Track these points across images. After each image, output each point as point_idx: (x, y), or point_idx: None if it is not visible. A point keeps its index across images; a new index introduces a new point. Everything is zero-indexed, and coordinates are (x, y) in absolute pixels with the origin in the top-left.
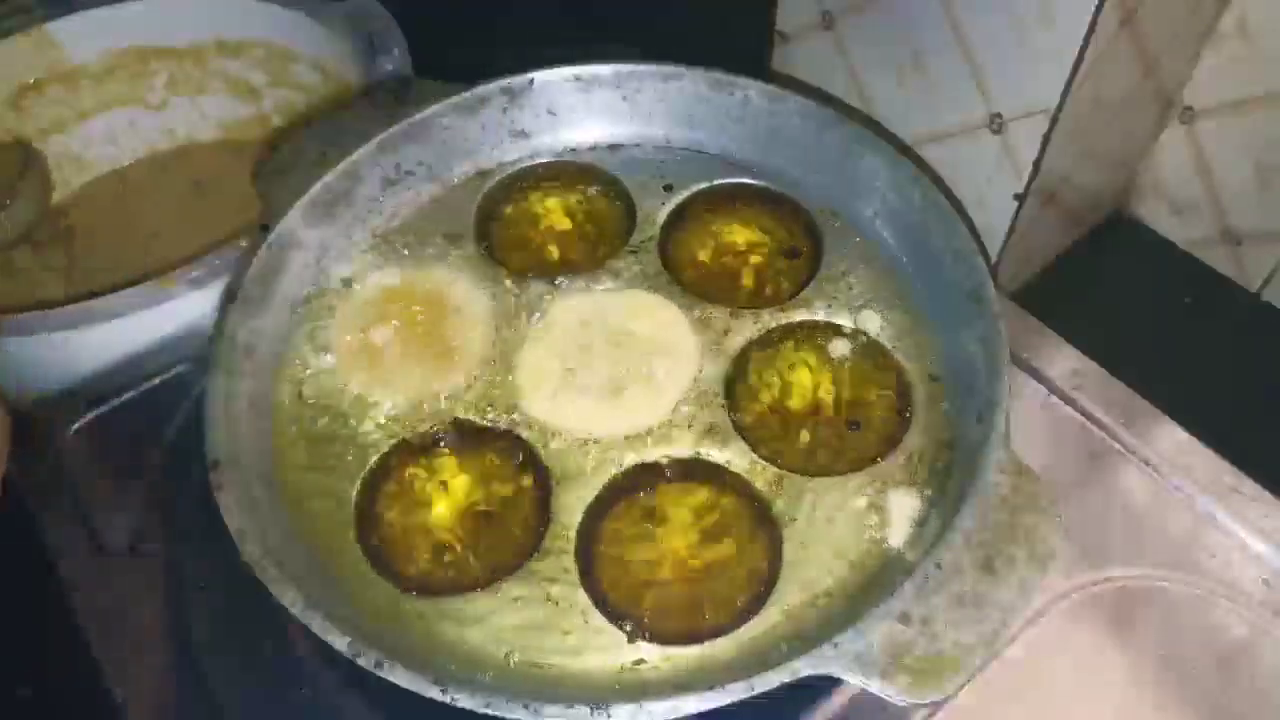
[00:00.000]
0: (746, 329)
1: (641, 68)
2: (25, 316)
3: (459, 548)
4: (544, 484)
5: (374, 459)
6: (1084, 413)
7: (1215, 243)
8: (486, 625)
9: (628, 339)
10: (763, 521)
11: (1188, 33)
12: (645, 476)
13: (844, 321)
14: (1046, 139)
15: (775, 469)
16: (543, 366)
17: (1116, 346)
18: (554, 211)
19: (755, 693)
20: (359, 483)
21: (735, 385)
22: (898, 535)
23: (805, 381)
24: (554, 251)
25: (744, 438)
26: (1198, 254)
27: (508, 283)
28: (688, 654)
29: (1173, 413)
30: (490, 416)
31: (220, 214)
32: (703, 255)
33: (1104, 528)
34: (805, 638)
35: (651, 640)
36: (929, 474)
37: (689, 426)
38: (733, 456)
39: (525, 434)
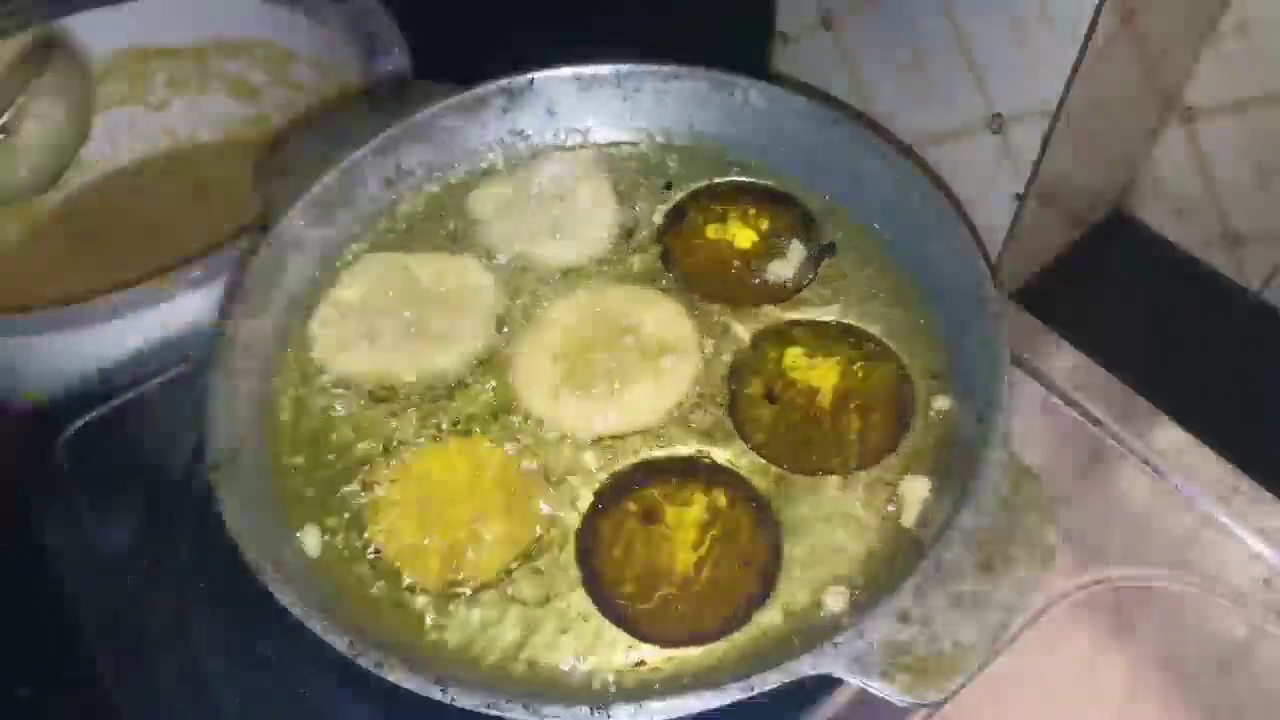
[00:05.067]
0: (747, 327)
1: (641, 68)
2: (25, 316)
3: (459, 547)
4: (544, 482)
5: (374, 458)
6: (1084, 413)
7: (1215, 243)
8: (486, 625)
9: (629, 337)
10: (763, 521)
11: (1188, 33)
12: (646, 475)
13: (844, 320)
14: (1046, 139)
15: (776, 468)
16: (543, 364)
17: (1116, 346)
18: None
19: (755, 693)
20: (359, 482)
21: (736, 384)
22: (897, 535)
23: (806, 381)
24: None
25: (744, 437)
26: (1198, 254)
27: (507, 281)
28: (688, 654)
29: (1173, 413)
30: (490, 414)
31: (220, 214)
32: (703, 253)
33: (1104, 528)
34: (805, 638)
35: (652, 640)
36: (929, 474)
37: (690, 425)
38: (733, 456)
39: (525, 432)
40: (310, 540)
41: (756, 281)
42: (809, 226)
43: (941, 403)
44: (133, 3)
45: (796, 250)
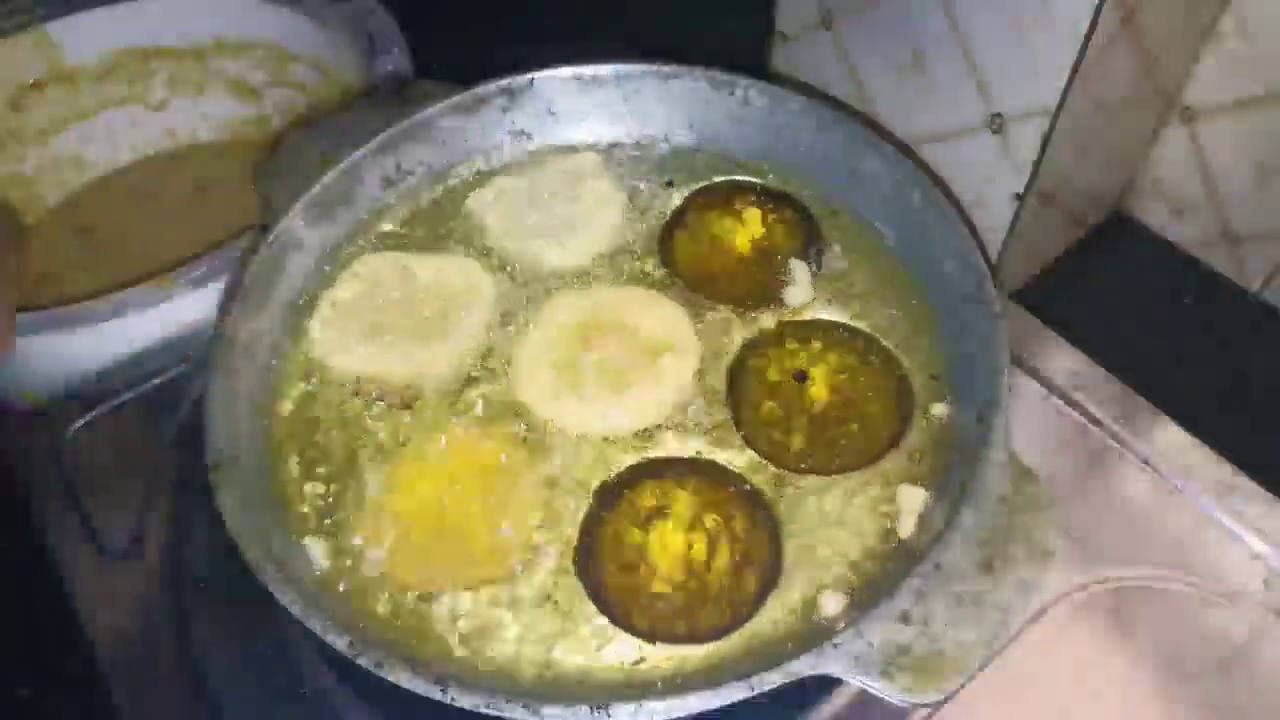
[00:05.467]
0: (747, 327)
1: (641, 68)
2: (26, 316)
3: (458, 547)
4: (544, 483)
5: (374, 458)
6: (1084, 413)
7: (1215, 243)
8: (486, 625)
9: (629, 337)
10: (763, 521)
11: (1188, 33)
12: (646, 475)
13: (844, 321)
14: (1046, 139)
15: (776, 468)
16: (543, 364)
17: (1116, 346)
18: None
19: (755, 693)
20: (359, 483)
21: (736, 384)
22: (898, 535)
23: (806, 380)
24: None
25: (745, 437)
26: (1198, 254)
27: (507, 281)
28: (688, 653)
29: (1173, 413)
30: (490, 415)
31: (220, 215)
32: (703, 253)
33: (1104, 528)
34: (805, 638)
35: (652, 640)
36: (929, 474)
37: (690, 425)
38: (734, 456)
39: (525, 432)
40: (315, 550)
41: (757, 282)
42: (809, 227)
43: (941, 404)
44: (132, 3)
45: (800, 269)
